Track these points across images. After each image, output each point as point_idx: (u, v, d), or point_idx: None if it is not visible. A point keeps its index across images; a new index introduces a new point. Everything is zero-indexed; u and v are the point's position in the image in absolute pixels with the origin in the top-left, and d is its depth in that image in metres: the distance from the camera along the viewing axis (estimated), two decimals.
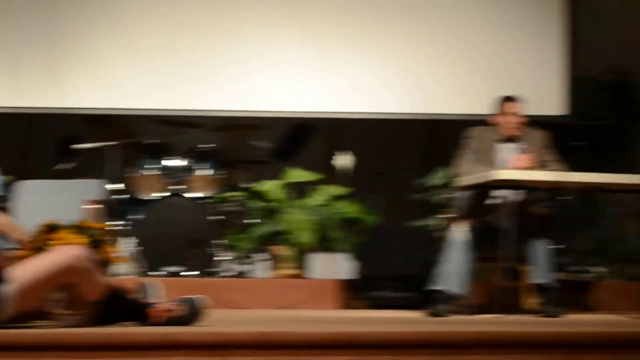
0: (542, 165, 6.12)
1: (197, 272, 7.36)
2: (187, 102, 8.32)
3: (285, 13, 8.43)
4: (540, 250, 5.95)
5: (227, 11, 8.39)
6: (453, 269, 5.92)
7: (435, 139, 9.31)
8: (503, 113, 6.29)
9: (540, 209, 6.34)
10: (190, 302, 3.97)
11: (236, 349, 3.26)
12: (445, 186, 7.85)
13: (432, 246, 7.37)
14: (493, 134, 6.30)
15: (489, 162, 6.12)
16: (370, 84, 8.48)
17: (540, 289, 5.94)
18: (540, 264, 5.94)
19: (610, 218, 9.02)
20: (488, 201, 6.14)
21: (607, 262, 8.24)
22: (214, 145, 8.10)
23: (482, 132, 6.30)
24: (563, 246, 7.62)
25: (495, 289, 6.25)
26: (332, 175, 8.48)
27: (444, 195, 7.78)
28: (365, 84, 8.47)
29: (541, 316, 5.75)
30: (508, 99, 6.37)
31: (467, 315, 5.86)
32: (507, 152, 6.24)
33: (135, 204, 7.81)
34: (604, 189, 6.05)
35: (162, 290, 4.31)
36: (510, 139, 6.26)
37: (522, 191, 6.08)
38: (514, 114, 6.27)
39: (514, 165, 6.04)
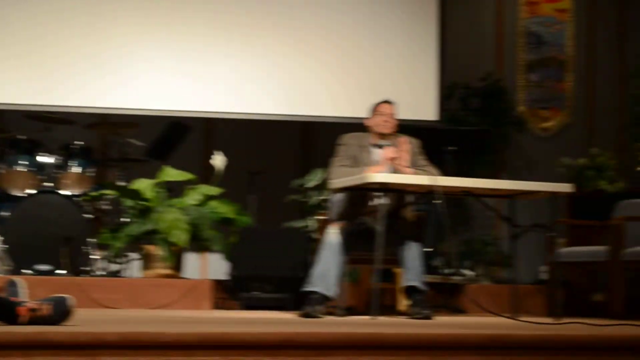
0: (415, 168, 6.21)
1: (68, 271, 7.24)
2: (60, 99, 8.17)
3: (160, 11, 8.36)
4: (412, 253, 6.03)
5: (101, 7, 8.28)
6: (326, 271, 5.95)
7: (312, 141, 9.37)
8: (376, 114, 6.36)
9: (412, 212, 6.43)
10: (58, 301, 3.87)
11: (104, 349, 3.22)
12: (321, 188, 7.91)
13: (307, 248, 7.42)
14: (367, 139, 6.37)
15: (363, 166, 6.18)
16: (247, 85, 8.49)
17: (410, 291, 6.02)
18: (411, 267, 6.02)
19: (480, 222, 9.23)
20: (361, 203, 6.20)
21: (478, 265, 8.43)
22: (86, 142, 7.98)
23: (354, 138, 6.36)
24: (433, 249, 7.76)
25: (370, 291, 6.31)
26: (207, 175, 8.45)
27: (319, 197, 7.83)
28: (242, 84, 8.48)
29: (414, 318, 5.83)
30: (383, 101, 6.46)
31: (340, 316, 5.91)
32: (379, 153, 6.31)
33: (5, 200, 7.65)
34: (474, 194, 6.16)
35: (25, 289, 4.21)
36: (382, 144, 6.32)
37: (394, 194, 6.16)
38: (387, 114, 6.35)
39: (383, 157, 6.12)
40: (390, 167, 6.18)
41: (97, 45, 8.24)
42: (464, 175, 6.46)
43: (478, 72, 9.49)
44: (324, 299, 5.91)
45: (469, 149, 7.89)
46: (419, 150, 6.39)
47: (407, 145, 6.22)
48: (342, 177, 6.01)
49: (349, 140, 6.35)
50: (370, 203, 6.20)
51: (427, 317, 5.78)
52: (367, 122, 6.44)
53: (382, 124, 6.32)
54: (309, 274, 6.09)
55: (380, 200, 5.93)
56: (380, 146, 6.27)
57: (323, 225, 6.46)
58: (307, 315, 5.74)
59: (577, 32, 9.95)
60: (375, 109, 6.41)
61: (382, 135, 6.34)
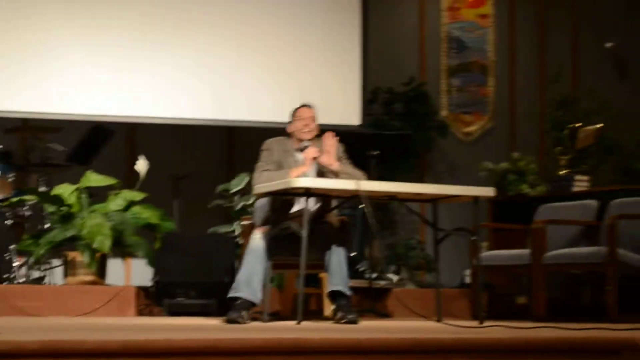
0: (338, 173, 6.22)
1: None
2: None
3: (81, 13, 8.28)
4: (336, 257, 6.03)
5: (21, 7, 8.15)
6: (250, 276, 5.94)
7: (236, 146, 9.34)
8: (297, 119, 6.37)
9: (336, 217, 6.45)
10: None
11: (25, 358, 3.16)
12: (246, 192, 7.89)
13: (232, 253, 7.39)
14: (290, 144, 6.37)
15: (286, 171, 6.18)
16: (171, 89, 8.46)
17: (335, 296, 6.02)
18: (335, 272, 6.03)
19: (405, 226, 9.29)
20: (285, 208, 6.20)
21: (403, 270, 8.49)
22: (6, 147, 7.85)
23: (277, 143, 6.35)
24: (357, 253, 7.80)
25: (295, 296, 6.31)
26: (130, 180, 8.37)
27: (244, 202, 7.81)
28: (165, 88, 8.45)
29: (340, 322, 5.83)
30: (303, 105, 6.46)
31: (265, 322, 5.89)
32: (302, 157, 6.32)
33: None
34: (398, 198, 6.19)
35: None
36: (305, 148, 6.33)
37: (319, 199, 6.17)
38: (307, 118, 6.36)
39: (305, 157, 6.14)
40: (315, 166, 6.19)
41: (17, 47, 8.13)
42: (387, 180, 6.50)
43: (401, 77, 9.56)
44: (248, 304, 5.89)
45: (392, 154, 7.95)
46: (343, 155, 6.41)
47: (331, 140, 6.21)
48: (266, 182, 6.01)
49: (272, 145, 6.34)
50: (293, 209, 6.20)
51: (353, 322, 5.79)
52: (288, 128, 6.44)
53: (302, 129, 6.33)
54: (234, 280, 6.07)
55: (303, 205, 5.94)
56: (303, 150, 6.28)
57: (248, 230, 6.44)
58: (231, 321, 5.72)
59: (498, 37, 10.08)
60: (295, 114, 6.41)
61: (302, 141, 6.35)
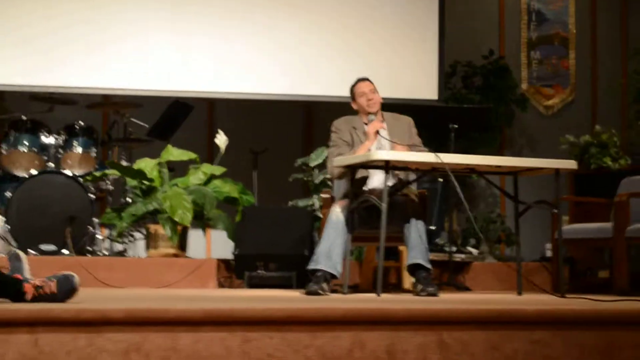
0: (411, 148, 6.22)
1: (72, 251, 7.24)
2: (62, 79, 8.14)
3: None
4: (415, 231, 6.00)
5: None
6: (330, 249, 5.94)
7: (315, 120, 9.35)
8: (359, 95, 6.36)
9: (415, 190, 6.43)
10: (63, 279, 3.86)
11: (110, 326, 3.22)
12: (326, 166, 7.90)
13: (311, 226, 7.42)
14: (358, 121, 6.37)
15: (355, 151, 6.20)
16: (249, 64, 8.47)
17: (414, 269, 6.00)
18: (415, 245, 6.00)
19: (484, 200, 9.23)
20: (364, 183, 6.20)
21: (484, 243, 8.43)
22: (88, 122, 7.97)
23: (345, 123, 6.37)
24: (435, 227, 7.77)
25: (375, 269, 6.31)
26: (210, 155, 8.45)
27: (323, 176, 7.83)
28: (244, 64, 8.47)
29: (419, 295, 5.82)
30: (360, 80, 6.45)
31: (344, 294, 5.91)
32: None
33: (9, 181, 7.65)
34: (477, 171, 6.14)
35: (27, 266, 4.19)
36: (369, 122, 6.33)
37: (397, 172, 6.16)
38: (369, 92, 6.35)
39: (369, 131, 6.15)
40: (381, 140, 6.19)
41: (98, 26, 8.22)
42: (467, 153, 6.45)
43: (480, 50, 9.46)
44: (329, 276, 5.90)
45: (472, 127, 7.89)
46: (414, 130, 6.41)
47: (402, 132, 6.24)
48: (336, 162, 6.02)
49: (340, 125, 6.37)
50: (370, 185, 6.20)
51: (433, 294, 5.77)
52: (354, 106, 6.45)
53: (367, 104, 6.33)
54: (313, 253, 6.09)
55: (377, 182, 5.94)
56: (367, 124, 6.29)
57: (328, 204, 6.46)
58: (312, 293, 5.75)
59: (579, 9, 9.92)
60: (354, 91, 6.41)
61: (371, 114, 6.34)
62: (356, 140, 6.26)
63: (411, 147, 6.19)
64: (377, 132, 6.19)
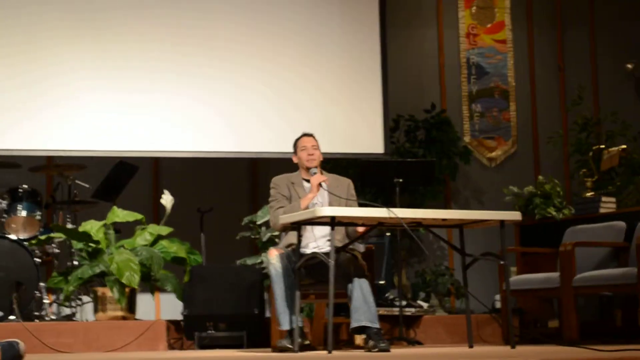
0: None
1: (19, 317, 7.12)
2: (4, 142, 8.07)
3: (103, 51, 8.32)
4: (358, 290, 6.00)
5: (43, 48, 8.21)
6: (282, 306, 5.98)
7: (261, 177, 9.35)
8: (300, 149, 6.42)
9: (362, 246, 6.45)
10: (7, 347, 3.80)
11: None
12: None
13: (261, 284, 7.39)
14: (297, 176, 6.43)
15: (298, 200, 6.25)
16: (194, 123, 8.47)
17: (362, 330, 6.00)
18: (358, 307, 5.99)
19: (432, 253, 9.29)
20: (309, 238, 6.22)
21: (433, 296, 8.46)
22: (32, 185, 7.90)
23: (284, 179, 6.43)
24: (384, 282, 7.79)
25: (325, 326, 6.29)
26: (156, 215, 8.41)
27: (271, 233, 7.82)
28: (188, 123, 8.45)
29: (373, 351, 5.80)
30: (305, 134, 6.51)
31: (294, 352, 5.88)
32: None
33: None
34: (424, 225, 6.18)
35: None
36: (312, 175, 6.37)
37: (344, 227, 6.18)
38: (310, 147, 6.41)
39: (313, 183, 6.21)
40: (325, 193, 6.23)
41: (40, 87, 8.17)
42: (413, 207, 6.50)
43: (422, 104, 9.57)
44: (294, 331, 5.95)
45: (416, 181, 7.95)
46: (352, 192, 6.47)
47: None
48: (282, 219, 6.05)
49: (279, 181, 6.43)
50: (318, 240, 6.24)
51: (385, 350, 5.77)
52: (294, 159, 6.50)
53: (307, 158, 6.38)
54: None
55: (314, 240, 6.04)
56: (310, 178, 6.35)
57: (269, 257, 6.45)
58: (281, 349, 5.88)
59: (517, 62, 10.09)
60: (297, 144, 6.47)
61: (310, 169, 6.39)
62: (294, 195, 6.33)
63: (347, 202, 6.25)
64: (320, 185, 6.23)
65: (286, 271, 6.07)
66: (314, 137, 6.51)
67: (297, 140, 6.52)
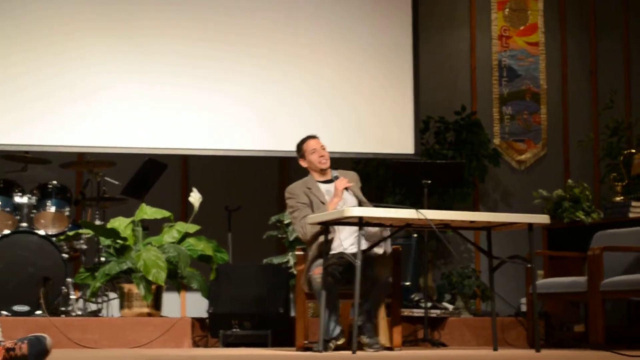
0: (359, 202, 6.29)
1: (46, 312, 7.17)
2: (35, 138, 8.12)
3: (135, 49, 8.35)
4: (379, 287, 6.08)
5: (76, 47, 8.25)
6: (326, 321, 5.99)
7: (289, 177, 9.34)
8: (309, 152, 6.39)
9: (390, 247, 6.44)
10: (34, 341, 3.83)
11: None
12: None
13: (287, 283, 7.39)
14: (310, 181, 6.40)
15: (322, 206, 6.22)
16: (224, 121, 8.48)
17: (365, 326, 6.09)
18: (372, 301, 6.10)
19: (459, 255, 9.25)
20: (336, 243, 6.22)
21: (459, 298, 8.43)
22: (62, 181, 7.95)
23: (298, 187, 6.40)
24: (410, 283, 7.77)
25: (351, 326, 6.30)
26: (184, 213, 8.43)
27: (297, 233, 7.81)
28: (218, 121, 8.46)
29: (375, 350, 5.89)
30: (309, 137, 6.49)
31: (319, 352, 5.88)
32: (330, 187, 6.34)
33: None
34: (452, 227, 6.16)
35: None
36: (326, 179, 6.36)
37: (372, 229, 6.17)
38: (320, 149, 6.39)
39: (337, 188, 6.18)
40: (347, 196, 6.22)
41: (71, 84, 8.21)
42: (441, 209, 6.47)
43: (453, 106, 9.53)
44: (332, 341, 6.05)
45: (445, 183, 7.91)
46: (360, 185, 6.47)
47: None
48: (311, 227, 6.04)
49: (294, 190, 6.40)
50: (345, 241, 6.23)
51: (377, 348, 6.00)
52: (303, 164, 6.47)
53: (319, 160, 6.37)
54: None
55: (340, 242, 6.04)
56: (326, 182, 6.32)
57: (302, 261, 6.44)
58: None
59: (549, 65, 10.03)
60: (305, 149, 6.44)
61: (323, 171, 6.37)
62: (313, 200, 6.28)
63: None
64: (346, 189, 6.21)
65: (330, 286, 6.06)
66: (317, 138, 6.49)
67: (302, 143, 6.49)
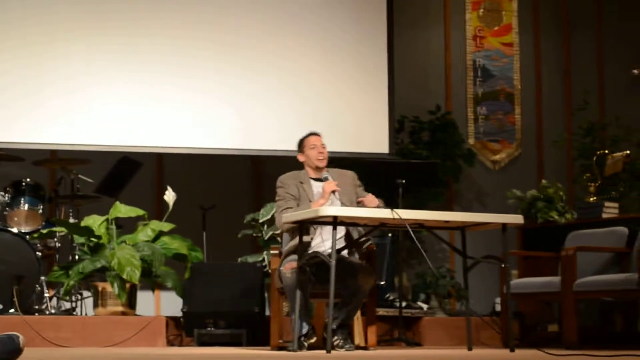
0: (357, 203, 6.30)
1: (19, 310, 7.12)
2: (8, 135, 8.08)
3: (109, 46, 8.32)
4: (360, 296, 6.11)
5: (49, 41, 8.21)
6: (296, 309, 5.98)
7: (263, 175, 9.34)
8: (309, 147, 6.40)
9: (364, 246, 6.45)
10: (6, 340, 3.80)
11: None
12: (274, 222, 7.90)
13: (262, 282, 7.39)
14: (304, 175, 6.41)
15: (307, 203, 6.23)
16: (198, 119, 8.47)
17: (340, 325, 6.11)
18: (351, 309, 6.12)
19: (433, 255, 9.28)
20: (312, 238, 6.21)
21: (434, 298, 8.46)
22: (35, 179, 7.90)
23: (291, 178, 6.40)
24: (385, 282, 7.79)
25: (325, 325, 6.31)
26: (159, 211, 8.41)
27: (273, 231, 7.82)
28: (192, 119, 8.46)
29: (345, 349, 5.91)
30: (312, 133, 6.50)
31: (293, 351, 5.88)
32: (320, 185, 6.34)
33: None
34: (426, 226, 6.17)
35: None
36: (319, 178, 6.36)
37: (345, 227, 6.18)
38: (320, 146, 6.40)
39: (325, 190, 6.17)
40: (336, 199, 6.22)
41: (45, 81, 8.18)
42: (415, 208, 6.49)
43: (427, 106, 9.56)
44: (302, 336, 6.03)
45: (420, 182, 7.93)
46: (358, 183, 6.46)
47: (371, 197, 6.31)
48: (284, 219, 6.04)
49: (287, 180, 6.39)
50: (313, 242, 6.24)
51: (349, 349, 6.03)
52: (300, 158, 6.48)
53: (317, 156, 6.37)
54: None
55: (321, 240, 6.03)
56: (319, 180, 6.32)
57: (276, 260, 6.44)
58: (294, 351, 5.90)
59: (524, 65, 10.08)
60: (305, 143, 6.45)
61: (318, 168, 6.38)
62: (302, 194, 6.29)
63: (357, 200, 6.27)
64: (333, 192, 6.21)
65: (301, 284, 6.06)
66: (319, 136, 6.50)
67: (303, 138, 6.50)
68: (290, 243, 6.30)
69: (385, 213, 5.75)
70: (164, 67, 8.42)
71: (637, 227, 7.15)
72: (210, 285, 7.32)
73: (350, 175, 6.53)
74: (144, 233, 7.59)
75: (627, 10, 10.21)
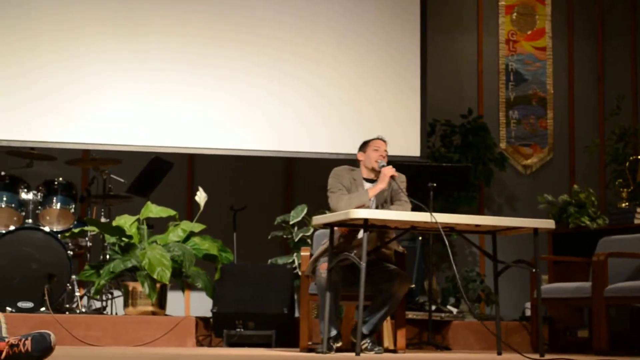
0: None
1: (50, 309, 7.17)
2: (41, 134, 8.13)
3: (141, 47, 8.36)
4: (394, 302, 6.12)
5: (83, 45, 8.25)
6: (325, 311, 5.98)
7: (295, 177, 9.35)
8: (373, 149, 6.39)
9: (396, 248, 6.44)
10: (38, 338, 3.82)
11: None
12: (305, 224, 7.91)
13: (291, 284, 7.39)
14: (357, 173, 6.40)
15: (366, 190, 6.24)
16: (230, 120, 8.47)
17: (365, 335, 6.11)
18: (372, 311, 6.11)
19: (464, 259, 9.25)
20: (347, 239, 6.21)
21: (463, 302, 8.43)
22: (67, 178, 7.95)
23: (346, 171, 6.40)
24: (415, 286, 7.76)
25: (355, 327, 6.31)
26: (190, 211, 8.43)
27: (304, 233, 7.83)
28: (225, 120, 8.46)
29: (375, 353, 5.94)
30: (378, 137, 6.50)
31: (323, 353, 5.88)
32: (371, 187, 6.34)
33: None
34: (457, 230, 6.16)
35: (4, 324, 4.14)
36: (372, 179, 6.35)
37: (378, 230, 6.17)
38: (384, 151, 6.40)
39: (384, 174, 6.16)
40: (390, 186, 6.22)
41: (78, 81, 8.22)
42: (446, 212, 6.47)
43: (459, 109, 9.53)
44: (332, 340, 6.03)
45: (451, 186, 7.91)
46: (404, 186, 6.42)
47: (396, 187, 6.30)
48: (346, 205, 6.04)
49: (341, 172, 6.38)
50: (355, 240, 6.22)
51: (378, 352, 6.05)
52: (360, 157, 6.47)
53: (377, 159, 6.35)
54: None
55: (365, 236, 5.99)
56: (370, 181, 6.31)
57: (307, 261, 6.44)
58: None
59: (557, 70, 10.03)
60: (370, 144, 6.45)
61: (374, 170, 6.37)
62: (353, 191, 6.28)
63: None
64: (392, 177, 6.20)
65: (331, 285, 6.06)
66: (385, 142, 6.50)
67: (369, 140, 6.50)
68: (322, 246, 6.31)
69: (418, 216, 5.75)
70: (198, 69, 8.43)
71: None
72: (240, 286, 7.33)
73: (401, 177, 6.51)
74: (175, 233, 7.61)
75: None
